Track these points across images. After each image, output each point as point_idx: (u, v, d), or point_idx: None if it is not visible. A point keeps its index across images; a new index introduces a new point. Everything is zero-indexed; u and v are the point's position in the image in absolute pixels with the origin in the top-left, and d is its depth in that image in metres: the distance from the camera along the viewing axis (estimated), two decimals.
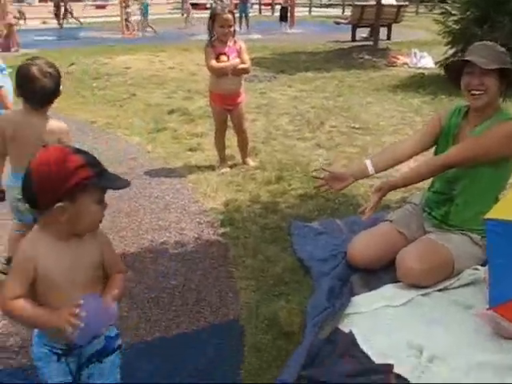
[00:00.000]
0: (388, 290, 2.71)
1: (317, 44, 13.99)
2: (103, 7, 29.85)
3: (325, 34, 16.73)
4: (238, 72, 4.38)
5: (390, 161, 3.03)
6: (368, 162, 2.97)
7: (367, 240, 2.96)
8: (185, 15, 21.41)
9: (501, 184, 2.85)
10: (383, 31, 15.12)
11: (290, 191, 4.09)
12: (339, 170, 3.18)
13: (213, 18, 4.29)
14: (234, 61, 4.33)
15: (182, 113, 6.57)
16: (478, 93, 2.67)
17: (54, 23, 20.32)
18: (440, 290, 2.67)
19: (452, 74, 2.84)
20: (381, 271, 2.88)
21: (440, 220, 2.93)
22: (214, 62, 4.30)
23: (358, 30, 15.03)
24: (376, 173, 2.99)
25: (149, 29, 17.91)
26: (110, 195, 3.40)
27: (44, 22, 21.85)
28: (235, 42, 4.38)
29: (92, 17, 23.21)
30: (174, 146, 5.24)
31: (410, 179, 2.85)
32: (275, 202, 3.89)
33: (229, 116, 4.58)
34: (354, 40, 14.77)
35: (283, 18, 19.16)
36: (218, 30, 4.28)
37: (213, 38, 4.35)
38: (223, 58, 4.32)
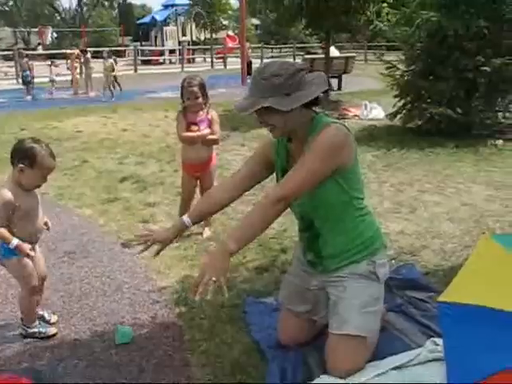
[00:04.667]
0: None
1: None
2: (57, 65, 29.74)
3: None
4: (207, 143, 4.49)
5: (212, 205, 2.81)
6: (185, 216, 2.81)
7: (283, 326, 2.97)
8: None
9: (352, 193, 2.59)
10: (334, 82, 15.51)
11: (245, 264, 4.06)
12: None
13: (181, 89, 4.41)
14: (203, 131, 4.43)
15: (134, 180, 6.57)
16: (269, 128, 2.53)
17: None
18: (396, 368, 2.65)
19: None
20: None
21: (317, 262, 2.76)
22: (183, 133, 4.43)
23: None
24: (195, 222, 2.83)
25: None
26: (59, 276, 3.39)
27: None
28: (208, 112, 4.49)
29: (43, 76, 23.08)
30: (127, 218, 5.19)
31: (248, 237, 2.48)
32: (230, 277, 3.83)
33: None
34: None
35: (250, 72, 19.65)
36: (186, 102, 4.40)
37: (184, 106, 4.45)
38: (193, 127, 4.43)
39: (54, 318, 3.37)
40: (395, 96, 9.50)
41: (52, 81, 17.78)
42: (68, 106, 14.25)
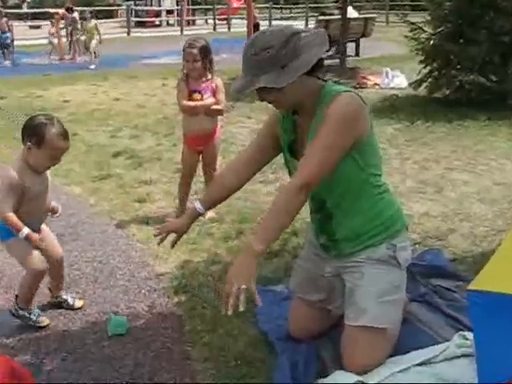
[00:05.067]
0: None
1: None
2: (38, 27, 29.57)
3: None
4: (211, 113, 4.50)
5: (222, 190, 2.86)
6: (197, 202, 2.85)
7: (294, 317, 2.99)
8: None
9: (368, 170, 2.58)
10: (351, 47, 15.40)
11: None
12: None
13: (183, 52, 4.44)
14: (206, 101, 4.44)
15: (128, 155, 6.60)
16: (273, 104, 2.58)
17: None
18: (420, 365, 2.66)
19: None
20: None
21: (331, 246, 2.76)
22: (184, 101, 4.43)
23: None
24: (208, 208, 2.91)
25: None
26: None
27: None
28: (212, 78, 4.49)
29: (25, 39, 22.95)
30: (121, 197, 5.23)
31: (274, 232, 2.45)
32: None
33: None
34: None
35: None
36: (185, 65, 4.42)
37: (186, 72, 4.47)
38: (196, 96, 4.44)
39: (79, 303, 3.42)
40: (420, 62, 9.43)
41: (51, 43, 17.69)
42: (53, 72, 14.26)
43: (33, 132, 2.95)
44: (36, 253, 3.13)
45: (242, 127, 7.92)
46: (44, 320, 3.24)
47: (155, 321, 3.27)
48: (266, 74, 2.37)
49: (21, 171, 2.97)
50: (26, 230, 2.97)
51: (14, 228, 2.97)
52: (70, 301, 3.40)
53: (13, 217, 2.96)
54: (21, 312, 3.20)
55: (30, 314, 3.20)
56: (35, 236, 3.00)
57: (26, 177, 2.97)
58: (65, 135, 3.00)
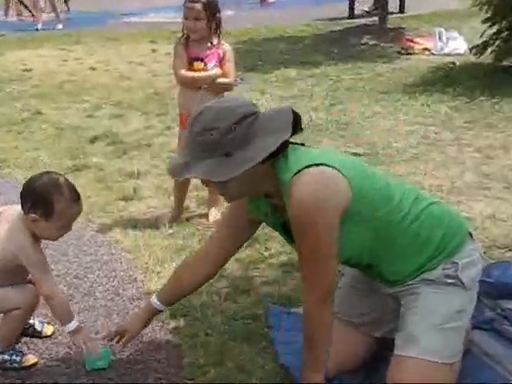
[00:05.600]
0: None
1: (299, 24, 14.15)
2: None
3: (310, 7, 16.92)
4: (216, 88, 4.46)
5: (187, 287, 3.08)
6: (154, 297, 3.10)
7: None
8: None
9: (379, 213, 2.60)
10: (394, 0, 15.31)
11: (267, 258, 4.13)
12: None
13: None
14: (211, 71, 4.44)
15: (110, 140, 6.63)
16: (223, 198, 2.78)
17: None
18: None
19: None
20: None
21: (383, 283, 2.85)
22: (183, 71, 4.44)
23: (358, 0, 15.17)
24: (169, 305, 3.15)
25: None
26: None
27: None
28: (219, 44, 4.50)
29: None
30: (101, 194, 5.27)
31: (321, 356, 2.69)
32: (247, 277, 3.92)
33: None
34: (352, 16, 14.96)
35: None
36: (184, 24, 4.44)
37: (185, 34, 4.50)
38: (198, 64, 4.44)
39: (49, 330, 3.43)
40: (485, 20, 9.36)
41: None
42: (8, 32, 14.33)
43: (37, 200, 2.92)
44: (12, 288, 3.11)
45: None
46: (30, 358, 3.19)
47: (146, 351, 3.28)
48: (205, 159, 2.41)
49: (31, 245, 2.99)
50: (75, 323, 3.08)
51: (65, 317, 3.09)
52: (38, 326, 3.41)
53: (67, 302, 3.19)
54: None
55: (11, 355, 3.14)
56: (84, 334, 3.13)
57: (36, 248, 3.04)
58: (77, 198, 3.03)
